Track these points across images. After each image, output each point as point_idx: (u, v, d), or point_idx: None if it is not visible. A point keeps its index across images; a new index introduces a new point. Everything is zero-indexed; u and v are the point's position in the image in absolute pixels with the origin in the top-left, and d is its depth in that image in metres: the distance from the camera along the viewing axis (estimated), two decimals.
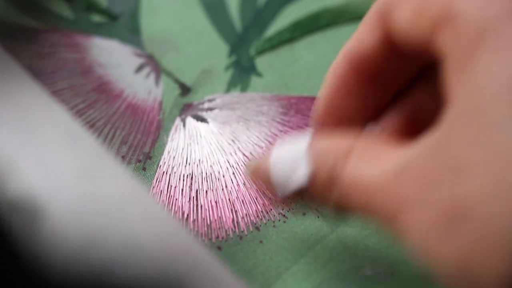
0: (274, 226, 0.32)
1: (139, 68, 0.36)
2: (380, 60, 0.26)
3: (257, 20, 0.38)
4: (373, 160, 0.24)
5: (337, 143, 0.26)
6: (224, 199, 0.32)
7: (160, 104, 0.35)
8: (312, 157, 0.26)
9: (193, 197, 0.32)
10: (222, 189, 0.33)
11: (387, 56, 0.26)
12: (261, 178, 0.29)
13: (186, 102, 0.35)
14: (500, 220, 0.20)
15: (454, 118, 0.21)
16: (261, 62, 0.37)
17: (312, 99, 0.36)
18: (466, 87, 0.21)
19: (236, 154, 0.34)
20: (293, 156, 0.27)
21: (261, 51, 0.37)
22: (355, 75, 0.27)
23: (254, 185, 0.32)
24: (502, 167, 0.20)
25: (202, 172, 0.33)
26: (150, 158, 0.34)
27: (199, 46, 0.37)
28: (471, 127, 0.21)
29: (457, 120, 0.21)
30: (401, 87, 0.28)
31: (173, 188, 0.33)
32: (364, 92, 0.27)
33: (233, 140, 0.34)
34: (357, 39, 0.27)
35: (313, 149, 0.26)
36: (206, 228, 0.32)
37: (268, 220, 0.32)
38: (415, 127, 0.27)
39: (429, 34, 0.23)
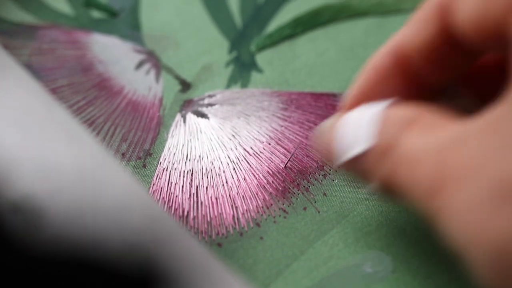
0: (274, 221, 0.32)
1: (139, 65, 0.36)
2: (431, 55, 0.26)
3: (258, 16, 0.38)
4: (431, 130, 0.24)
5: (405, 113, 0.25)
6: (224, 195, 0.32)
7: (161, 100, 0.35)
8: (379, 124, 0.26)
9: (194, 194, 0.32)
10: (223, 185, 0.33)
11: (440, 51, 0.26)
12: (325, 140, 0.28)
13: (187, 98, 0.35)
14: None
15: None
16: (262, 58, 0.36)
17: (313, 95, 0.35)
18: None
19: (236, 149, 0.34)
20: (362, 121, 0.26)
21: (262, 47, 0.37)
22: (397, 70, 0.27)
23: (316, 148, 0.32)
24: None
25: (202, 168, 0.33)
26: (150, 155, 0.34)
27: (200, 42, 0.37)
28: None
29: None
30: (438, 87, 0.28)
31: (173, 185, 0.33)
32: (401, 89, 0.27)
33: (233, 135, 0.34)
34: (407, 33, 0.27)
35: (383, 115, 0.26)
36: (206, 225, 0.32)
37: (269, 215, 0.32)
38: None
39: (502, 18, 0.23)
